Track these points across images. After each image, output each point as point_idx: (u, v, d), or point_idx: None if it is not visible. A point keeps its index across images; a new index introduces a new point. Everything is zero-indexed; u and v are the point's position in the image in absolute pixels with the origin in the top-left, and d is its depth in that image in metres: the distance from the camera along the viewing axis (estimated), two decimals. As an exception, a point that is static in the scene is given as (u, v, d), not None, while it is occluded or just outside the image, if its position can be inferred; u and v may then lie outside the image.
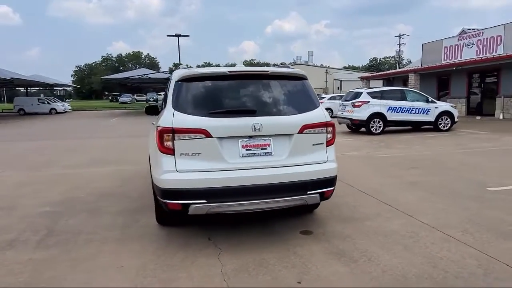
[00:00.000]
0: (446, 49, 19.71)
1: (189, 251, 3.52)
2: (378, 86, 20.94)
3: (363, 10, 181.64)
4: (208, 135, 3.33)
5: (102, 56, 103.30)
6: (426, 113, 13.35)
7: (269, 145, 3.49)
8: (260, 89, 3.67)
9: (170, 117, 3.39)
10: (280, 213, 4.38)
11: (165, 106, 3.88)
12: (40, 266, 3.28)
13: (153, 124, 4.84)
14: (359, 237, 3.81)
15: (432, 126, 13.55)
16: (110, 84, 64.97)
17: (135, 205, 5.09)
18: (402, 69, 25.38)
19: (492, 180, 6.05)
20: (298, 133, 3.54)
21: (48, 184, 6.48)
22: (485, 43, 17.16)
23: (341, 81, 49.69)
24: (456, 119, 13.68)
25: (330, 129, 3.73)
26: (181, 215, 3.63)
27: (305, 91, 3.80)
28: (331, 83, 51.70)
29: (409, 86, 19.94)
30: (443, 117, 13.47)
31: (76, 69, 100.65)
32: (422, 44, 21.84)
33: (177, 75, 3.66)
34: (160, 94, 70.98)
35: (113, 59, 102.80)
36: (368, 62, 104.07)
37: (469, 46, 18.11)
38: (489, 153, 8.94)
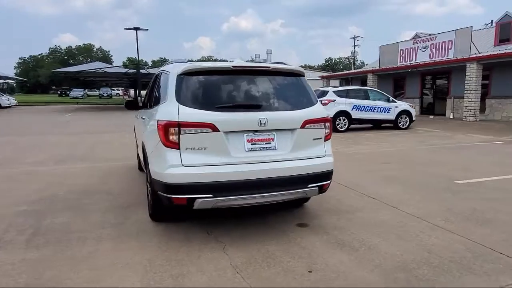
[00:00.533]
0: (402, 51, 20.84)
1: (192, 246, 3.50)
2: (336, 85, 21.70)
3: (317, 11, 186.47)
4: (215, 129, 3.33)
5: (50, 48, 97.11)
6: (387, 112, 14.08)
7: (272, 139, 3.56)
8: (263, 85, 3.73)
9: (175, 111, 3.35)
10: (271, 206, 4.46)
11: (162, 100, 3.82)
12: (37, 266, 3.11)
13: (142, 118, 4.74)
14: (353, 227, 3.99)
15: (392, 124, 14.30)
16: (59, 77, 61.40)
17: (120, 202, 4.94)
18: (360, 70, 26.52)
19: (457, 174, 6.55)
20: (300, 128, 3.64)
21: (18, 182, 6.08)
22: (437, 47, 18.38)
23: (299, 80, 50.61)
24: (414, 118, 14.56)
25: (328, 124, 3.87)
26: (185, 210, 3.60)
27: (304, 87, 3.91)
28: (290, 81, 52.45)
29: (367, 86, 20.83)
30: (403, 116, 14.28)
31: (20, 61, 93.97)
32: (380, 46, 22.92)
33: (178, 68, 3.61)
34: (114, 90, 68.38)
35: (62, 51, 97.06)
36: (324, 62, 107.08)
37: (423, 50, 19.30)
38: (448, 149, 9.63)
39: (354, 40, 70.12)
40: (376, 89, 15.67)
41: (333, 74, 34.33)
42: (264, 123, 3.45)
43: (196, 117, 3.32)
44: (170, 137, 3.32)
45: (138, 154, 6.95)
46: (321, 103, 13.08)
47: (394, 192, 5.38)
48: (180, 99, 3.42)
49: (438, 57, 18.29)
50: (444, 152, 9.13)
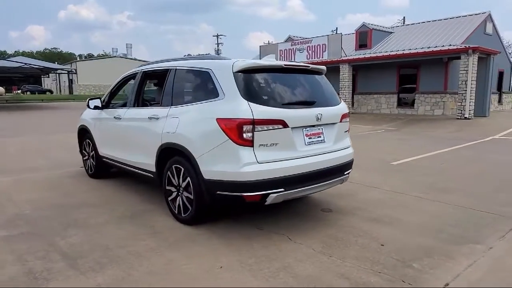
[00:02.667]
0: (281, 52, 22.86)
1: (260, 242, 3.54)
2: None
3: (167, 6, 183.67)
4: (285, 125, 3.46)
5: None
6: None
7: (322, 133, 3.87)
8: (309, 82, 4.00)
9: (246, 108, 3.33)
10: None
11: (206, 97, 3.71)
12: (125, 285, 2.74)
13: (153, 118, 4.35)
14: (368, 206, 4.61)
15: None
16: None
17: (118, 212, 4.41)
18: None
19: (385, 157, 7.92)
20: (339, 122, 4.05)
21: None
22: (313, 49, 20.91)
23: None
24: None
25: (349, 118, 4.39)
26: (258, 206, 3.61)
27: (330, 85, 4.33)
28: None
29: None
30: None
31: None
32: (260, 46, 24.63)
33: (231, 65, 3.55)
34: None
35: None
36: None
37: (300, 51, 21.63)
38: (357, 138, 11.30)
39: (217, 38, 72.57)
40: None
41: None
42: (320, 118, 3.75)
43: (269, 114, 3.39)
44: (244, 135, 3.31)
45: (89, 160, 6.17)
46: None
47: (360, 176, 6.23)
48: (247, 97, 3.41)
49: (315, 58, 20.81)
50: (356, 141, 10.70)
